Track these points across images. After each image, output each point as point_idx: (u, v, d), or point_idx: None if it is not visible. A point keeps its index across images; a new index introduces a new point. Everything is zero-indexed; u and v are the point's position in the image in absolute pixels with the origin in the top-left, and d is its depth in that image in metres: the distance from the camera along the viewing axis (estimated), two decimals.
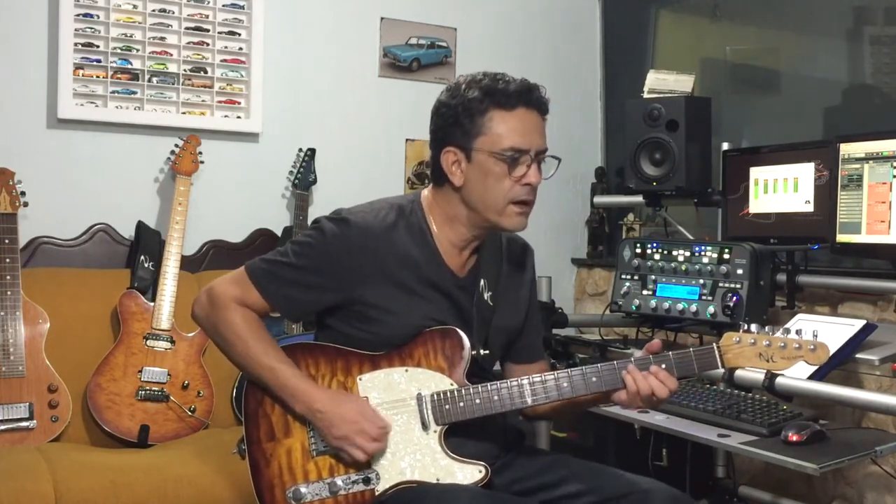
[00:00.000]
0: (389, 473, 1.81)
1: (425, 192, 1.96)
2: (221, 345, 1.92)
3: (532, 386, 1.83)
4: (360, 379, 1.85)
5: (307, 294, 1.87)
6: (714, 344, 1.83)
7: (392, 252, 1.85)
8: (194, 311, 1.94)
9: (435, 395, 1.83)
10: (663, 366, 1.81)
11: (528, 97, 1.84)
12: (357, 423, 1.77)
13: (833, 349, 2.30)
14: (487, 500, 1.77)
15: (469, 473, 1.81)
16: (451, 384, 1.84)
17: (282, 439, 1.86)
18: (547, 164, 1.89)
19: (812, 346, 1.78)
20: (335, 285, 1.86)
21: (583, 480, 1.86)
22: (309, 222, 3.39)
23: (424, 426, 1.83)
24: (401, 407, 1.84)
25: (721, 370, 1.88)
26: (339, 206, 1.94)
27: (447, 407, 1.82)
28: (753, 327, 1.82)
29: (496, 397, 1.82)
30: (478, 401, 1.82)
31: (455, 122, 1.84)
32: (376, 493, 1.81)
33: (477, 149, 1.83)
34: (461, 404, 1.82)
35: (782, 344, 1.79)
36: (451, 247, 1.92)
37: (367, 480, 1.81)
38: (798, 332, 1.80)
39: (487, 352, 1.93)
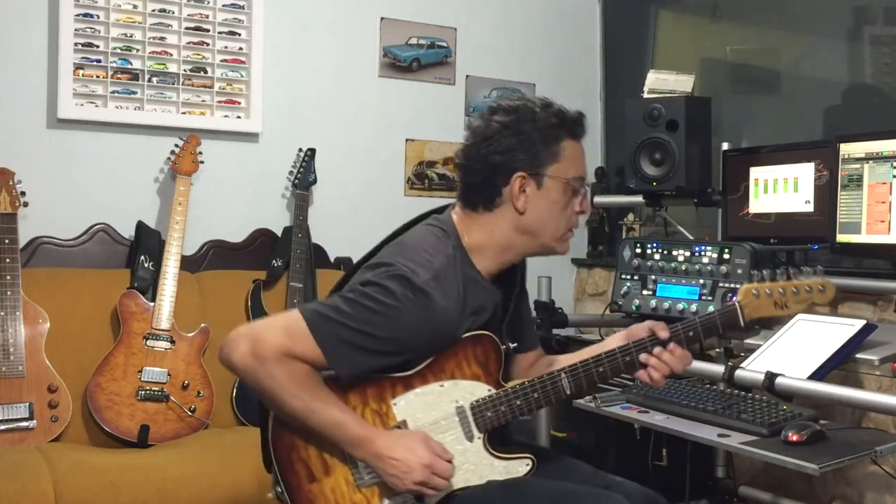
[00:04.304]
0: None
1: (457, 221, 1.87)
2: (268, 399, 1.74)
3: (571, 376, 1.83)
4: (395, 403, 1.79)
5: (374, 359, 1.76)
6: (735, 301, 1.89)
7: (463, 317, 1.80)
8: (231, 359, 1.70)
9: (475, 404, 1.80)
10: (691, 333, 1.85)
11: (584, 128, 1.88)
12: (431, 465, 1.72)
13: (833, 347, 2.30)
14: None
15: (516, 468, 1.81)
16: (489, 390, 1.81)
17: (323, 479, 1.79)
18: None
19: (821, 287, 1.93)
20: (406, 351, 1.78)
21: (552, 475, 1.85)
22: (309, 222, 3.44)
23: (469, 437, 1.80)
24: (444, 424, 1.80)
25: (742, 324, 1.93)
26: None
27: (489, 414, 1.80)
28: (766, 274, 1.91)
29: (535, 395, 1.81)
30: (518, 402, 1.81)
31: (529, 147, 1.80)
32: None
33: (550, 175, 1.81)
34: (502, 408, 1.80)
35: (795, 290, 1.91)
36: (494, 270, 1.88)
37: (420, 498, 1.77)
38: (801, 270, 1.93)
39: (515, 344, 1.90)
